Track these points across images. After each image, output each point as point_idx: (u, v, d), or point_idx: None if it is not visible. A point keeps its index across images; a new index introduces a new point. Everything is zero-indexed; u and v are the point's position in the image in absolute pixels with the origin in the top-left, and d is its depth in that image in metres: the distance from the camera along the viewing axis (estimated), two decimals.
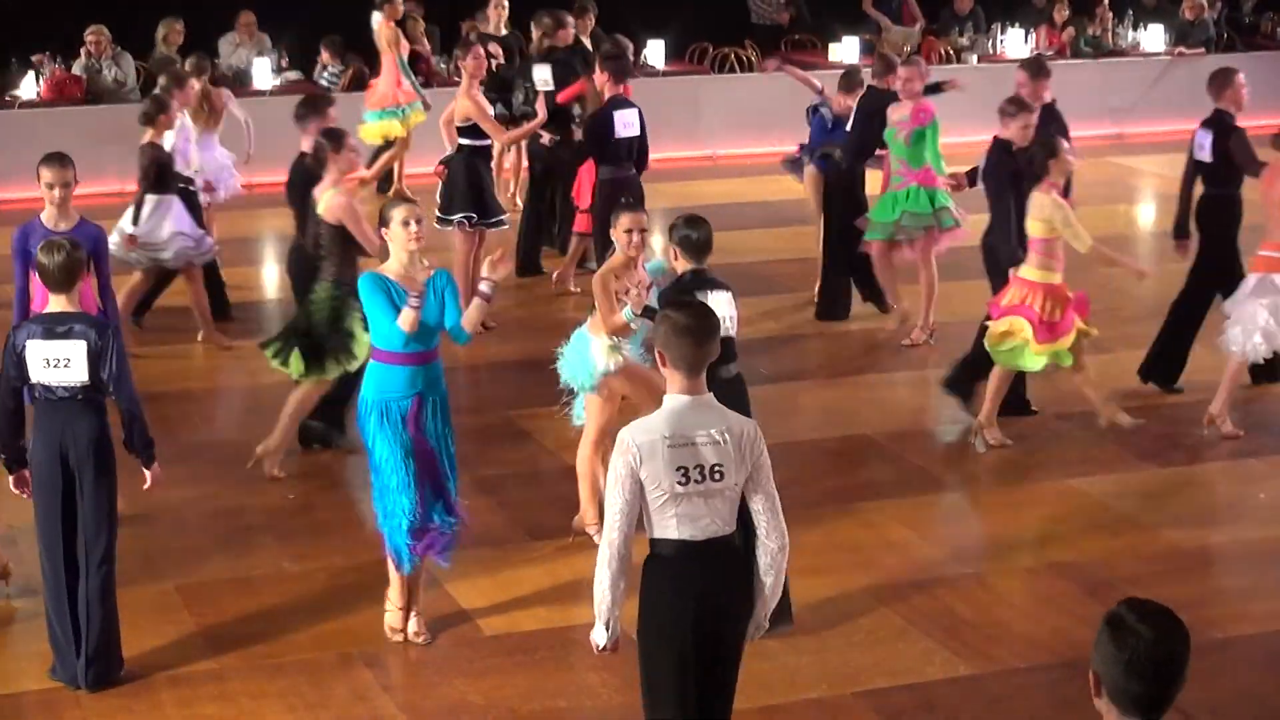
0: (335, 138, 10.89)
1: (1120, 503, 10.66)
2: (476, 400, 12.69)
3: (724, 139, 21.30)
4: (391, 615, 8.87)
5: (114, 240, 12.46)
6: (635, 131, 13.92)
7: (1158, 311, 14.70)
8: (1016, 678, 8.47)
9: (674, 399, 6.30)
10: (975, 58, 22.75)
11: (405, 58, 18.41)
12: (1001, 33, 23.08)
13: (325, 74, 20.69)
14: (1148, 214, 19.65)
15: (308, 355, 10.75)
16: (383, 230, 8.65)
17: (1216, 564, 9.81)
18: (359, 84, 20.35)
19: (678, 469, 6.18)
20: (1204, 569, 9.73)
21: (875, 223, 13.77)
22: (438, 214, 14.08)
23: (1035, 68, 12.92)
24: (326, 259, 10.79)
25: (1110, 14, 23.73)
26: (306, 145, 11.72)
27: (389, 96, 18.05)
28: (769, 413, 9.81)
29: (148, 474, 8.54)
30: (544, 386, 12.62)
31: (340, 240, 10.70)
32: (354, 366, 10.60)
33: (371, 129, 17.76)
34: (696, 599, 6.27)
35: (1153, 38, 23.65)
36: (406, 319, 8.38)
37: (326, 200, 10.67)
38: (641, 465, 6.17)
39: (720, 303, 8.54)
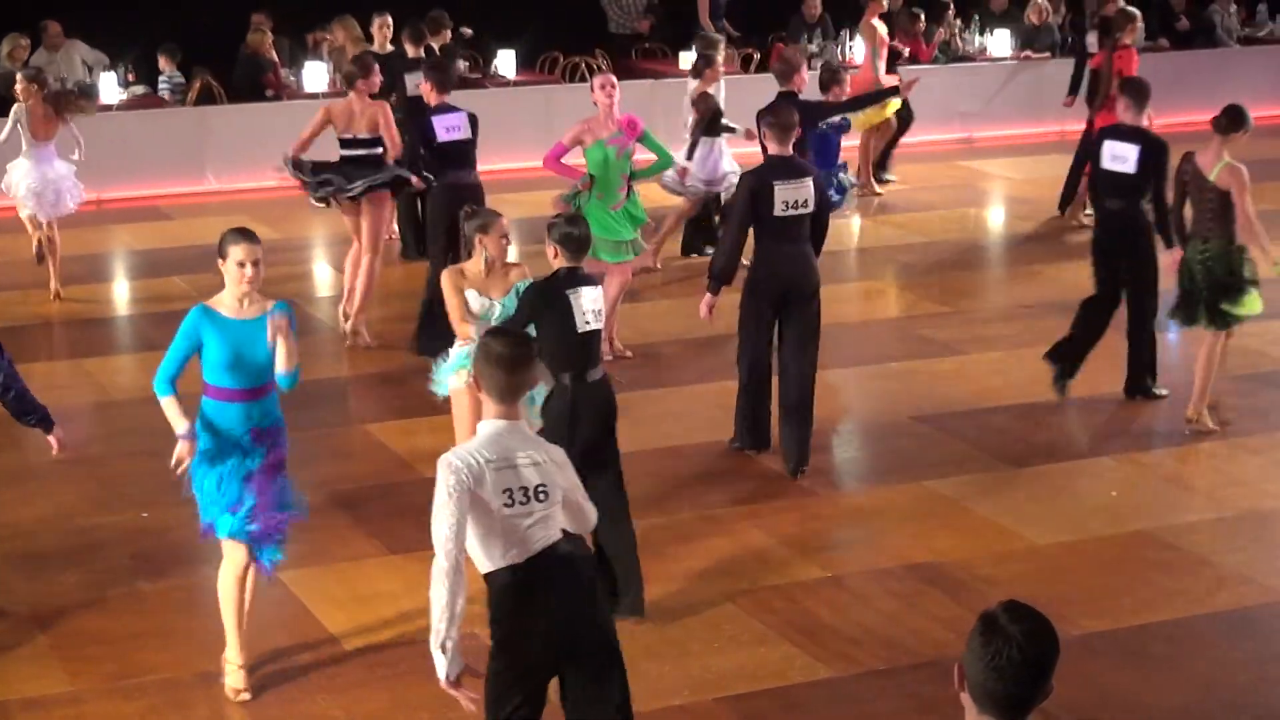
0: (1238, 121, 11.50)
1: (977, 503, 10.74)
2: (331, 414, 12.57)
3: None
4: (232, 676, 8.41)
5: (670, 173, 15.32)
6: (463, 135, 13.76)
7: (1008, 314, 14.89)
8: (877, 680, 8.51)
9: (491, 424, 6.30)
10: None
11: (880, 51, 19.94)
12: (850, 39, 23.22)
13: (166, 84, 20.48)
14: (997, 217, 19.85)
15: (1212, 307, 11.65)
16: (220, 261, 8.05)
17: (1073, 562, 9.88)
18: (207, 97, 20.18)
19: (504, 491, 6.17)
20: (1061, 568, 9.80)
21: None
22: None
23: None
24: (1214, 221, 11.55)
25: (957, 19, 23.96)
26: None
27: (869, 84, 19.00)
28: (628, 421, 9.81)
29: (53, 440, 8.81)
30: (398, 400, 12.62)
31: (1225, 204, 11.48)
32: (1242, 315, 11.70)
33: (860, 117, 18.29)
34: (543, 615, 6.27)
35: (999, 42, 23.91)
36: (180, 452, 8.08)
37: (1220, 169, 11.40)
38: (474, 485, 6.12)
39: (591, 297, 8.80)
